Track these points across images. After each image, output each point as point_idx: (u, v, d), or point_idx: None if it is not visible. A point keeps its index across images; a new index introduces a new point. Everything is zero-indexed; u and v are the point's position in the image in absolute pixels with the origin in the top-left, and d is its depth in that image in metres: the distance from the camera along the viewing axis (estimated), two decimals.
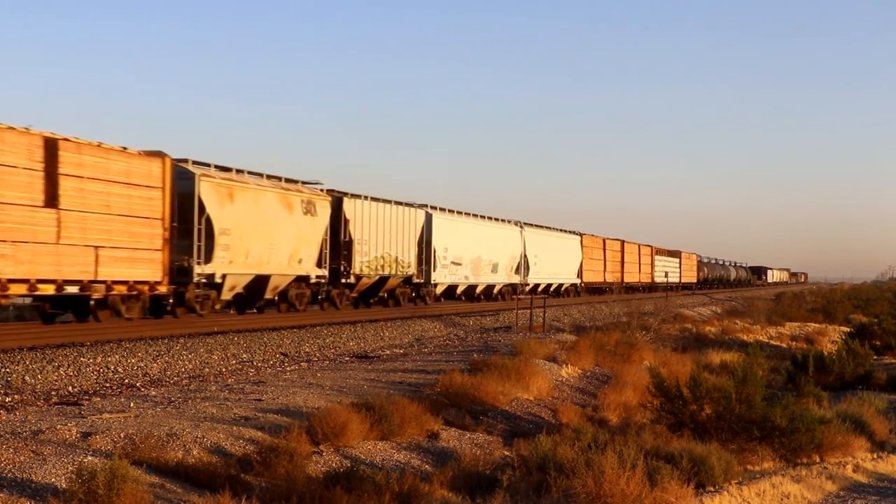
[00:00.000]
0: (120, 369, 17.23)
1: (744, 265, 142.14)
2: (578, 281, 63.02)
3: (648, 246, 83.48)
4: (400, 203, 37.83)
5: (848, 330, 43.50)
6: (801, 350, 32.66)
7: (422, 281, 39.78)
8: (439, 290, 42.42)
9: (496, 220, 50.27)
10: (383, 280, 36.20)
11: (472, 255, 45.13)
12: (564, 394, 19.18)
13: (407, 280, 38.32)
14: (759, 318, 48.27)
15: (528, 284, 53.01)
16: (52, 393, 14.79)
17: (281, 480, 9.84)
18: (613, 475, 9.91)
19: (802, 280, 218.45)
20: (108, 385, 15.91)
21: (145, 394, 14.61)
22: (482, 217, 48.32)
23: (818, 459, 15.34)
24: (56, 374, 16.07)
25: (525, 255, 52.36)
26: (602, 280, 68.19)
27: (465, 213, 46.07)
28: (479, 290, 47.36)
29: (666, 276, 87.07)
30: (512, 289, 51.04)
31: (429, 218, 40.50)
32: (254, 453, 10.63)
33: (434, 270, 40.76)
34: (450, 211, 44.17)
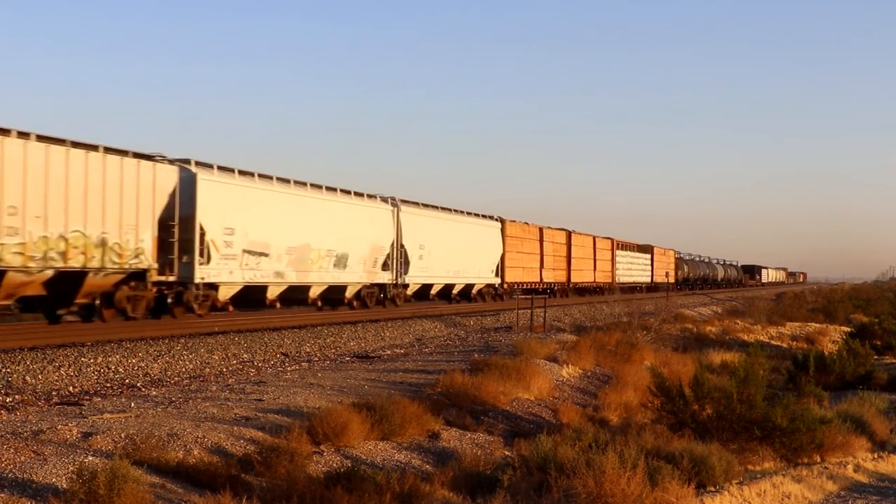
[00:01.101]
0: (121, 369, 17.24)
1: (734, 263, 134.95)
2: (497, 281, 49.12)
3: (607, 238, 70.36)
4: (114, 151, 22.83)
5: (849, 330, 43.50)
6: (801, 350, 32.62)
7: (174, 278, 25.17)
8: (224, 293, 27.70)
9: (345, 192, 34.62)
10: (74, 277, 21.83)
11: (290, 241, 30.33)
12: (565, 394, 19.19)
13: (138, 276, 23.89)
14: (760, 318, 48.25)
15: (407, 284, 39.54)
16: (53, 393, 14.80)
17: (282, 480, 9.84)
18: (614, 475, 9.91)
19: (801, 280, 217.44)
20: (108, 385, 15.91)
21: (146, 394, 14.61)
22: (314, 186, 32.43)
23: (819, 459, 15.34)
24: (57, 374, 16.08)
25: (402, 245, 38.38)
26: (537, 280, 54.89)
27: (279, 179, 30.42)
28: (312, 292, 32.50)
29: (665, 276, 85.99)
30: (380, 291, 37.34)
31: (188, 180, 25.73)
32: (254, 453, 10.64)
33: (205, 263, 26.24)
34: (242, 173, 28.53)
